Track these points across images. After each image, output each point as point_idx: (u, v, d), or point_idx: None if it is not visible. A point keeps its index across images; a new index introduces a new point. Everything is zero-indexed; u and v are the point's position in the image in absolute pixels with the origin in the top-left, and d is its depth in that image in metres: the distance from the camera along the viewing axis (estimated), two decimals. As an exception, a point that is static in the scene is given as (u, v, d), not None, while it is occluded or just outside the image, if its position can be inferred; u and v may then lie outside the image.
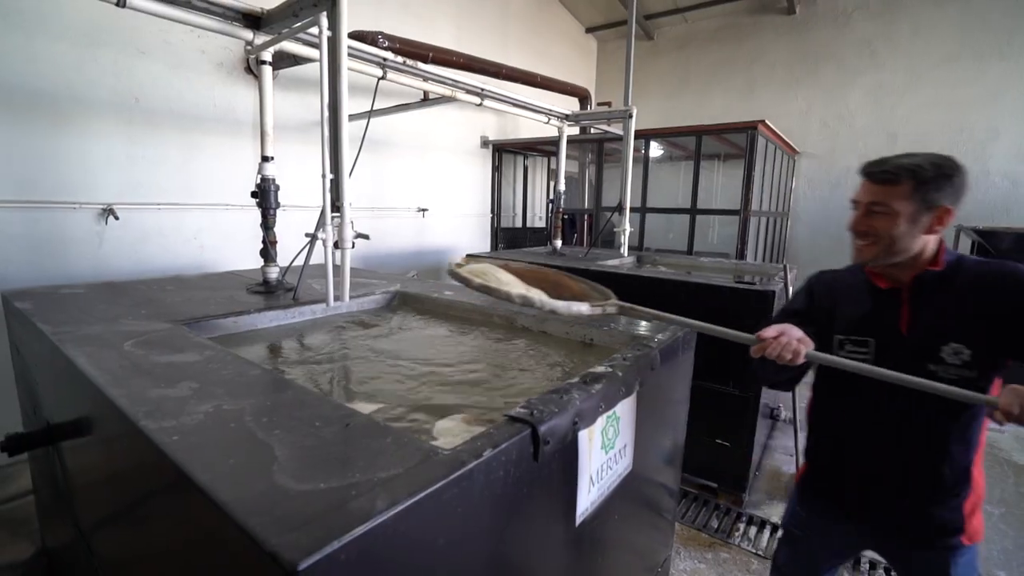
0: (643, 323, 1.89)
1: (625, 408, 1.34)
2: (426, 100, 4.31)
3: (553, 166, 7.26)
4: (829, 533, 1.60)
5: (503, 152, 6.76)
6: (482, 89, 3.57)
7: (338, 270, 1.92)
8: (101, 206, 3.26)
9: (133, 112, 3.36)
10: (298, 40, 2.43)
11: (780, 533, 1.78)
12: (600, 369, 1.31)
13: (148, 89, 3.42)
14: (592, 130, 6.20)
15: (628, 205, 4.20)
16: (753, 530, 2.82)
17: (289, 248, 2.52)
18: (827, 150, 6.83)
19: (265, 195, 2.28)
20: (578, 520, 1.18)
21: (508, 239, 6.97)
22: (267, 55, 2.26)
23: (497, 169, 6.72)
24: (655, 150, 7.26)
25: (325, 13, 1.80)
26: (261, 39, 2.24)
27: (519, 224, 7.37)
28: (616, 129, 5.42)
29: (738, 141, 5.69)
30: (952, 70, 5.97)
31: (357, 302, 2.27)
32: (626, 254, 4.33)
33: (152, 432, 0.90)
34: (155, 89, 3.45)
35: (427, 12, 5.47)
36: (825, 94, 6.77)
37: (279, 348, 1.75)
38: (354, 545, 0.64)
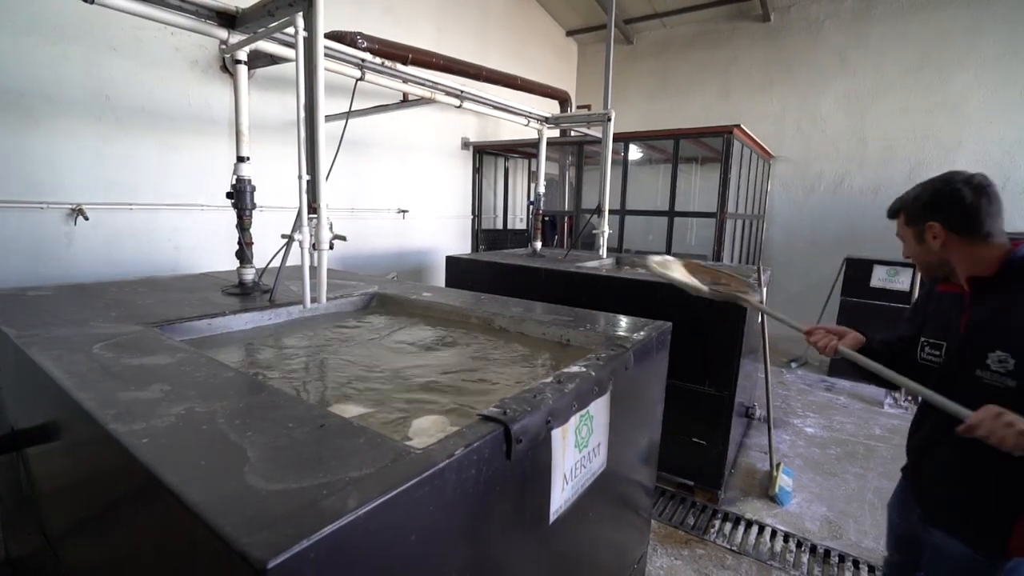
0: (620, 324, 1.92)
1: (599, 407, 1.36)
2: (406, 101, 4.30)
3: (533, 168, 7.29)
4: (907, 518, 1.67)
5: (484, 154, 6.77)
6: (462, 91, 3.58)
7: (315, 271, 1.91)
8: (70, 206, 3.18)
9: (104, 110, 3.29)
10: (274, 40, 2.41)
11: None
12: (574, 369, 1.33)
13: (120, 87, 3.34)
14: (572, 133, 6.25)
15: (607, 207, 4.25)
16: (728, 526, 2.88)
17: (266, 249, 2.49)
18: (801, 154, 6.99)
19: (241, 196, 2.26)
20: (552, 518, 1.20)
21: (489, 240, 6.98)
22: (242, 54, 2.24)
23: (478, 171, 6.72)
24: (634, 153, 7.35)
25: (301, 13, 1.79)
26: (236, 38, 2.22)
27: (500, 226, 7.39)
28: (596, 132, 5.48)
29: (715, 145, 5.79)
30: (918, 79, 6.17)
31: (335, 304, 2.26)
32: (605, 255, 4.38)
33: (121, 435, 0.89)
34: (127, 87, 3.38)
35: (408, 14, 5.46)
36: (799, 100, 6.94)
37: (254, 350, 1.73)
38: (324, 543, 0.65)
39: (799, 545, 2.74)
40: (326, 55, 2.54)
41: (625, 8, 7.53)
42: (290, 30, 1.83)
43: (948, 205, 1.46)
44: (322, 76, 1.77)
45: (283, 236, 1.95)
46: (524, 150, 6.92)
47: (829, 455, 3.76)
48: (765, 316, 3.57)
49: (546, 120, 4.41)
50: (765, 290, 3.51)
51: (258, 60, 3.10)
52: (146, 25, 3.35)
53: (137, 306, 1.91)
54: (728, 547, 2.71)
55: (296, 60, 1.77)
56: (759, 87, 7.22)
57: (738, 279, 2.17)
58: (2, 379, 1.67)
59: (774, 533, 2.83)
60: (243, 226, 2.31)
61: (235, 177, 2.24)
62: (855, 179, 6.66)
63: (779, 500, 3.10)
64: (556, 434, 1.15)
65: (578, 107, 7.78)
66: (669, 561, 2.60)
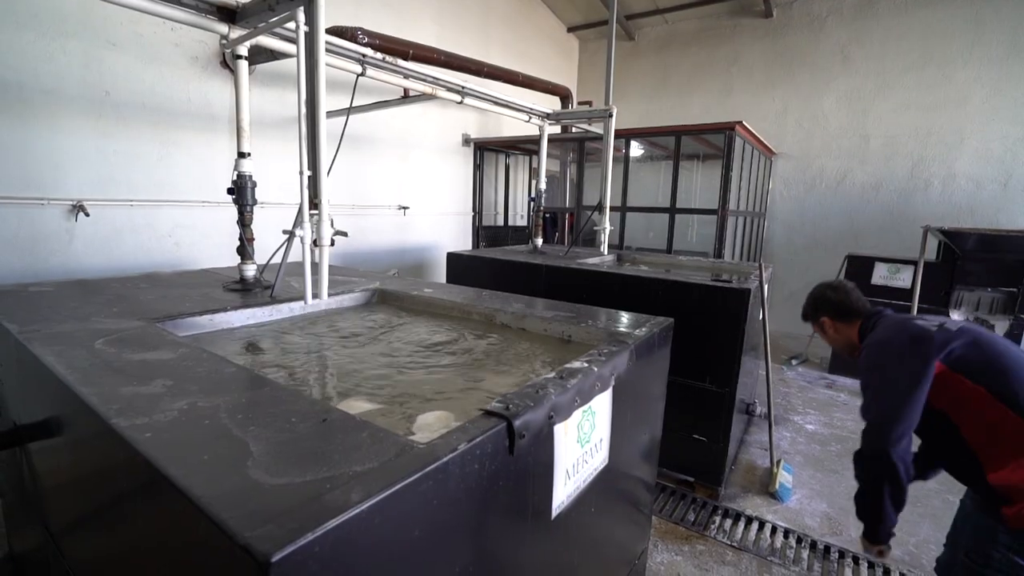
0: (621, 320, 1.92)
1: (601, 403, 1.36)
2: (407, 97, 4.30)
3: (534, 165, 7.28)
4: None
5: (485, 150, 6.76)
6: (463, 87, 3.57)
7: (316, 268, 1.91)
8: (71, 202, 3.17)
9: (104, 106, 3.28)
10: (275, 35, 2.40)
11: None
12: (576, 364, 1.33)
13: (120, 82, 3.34)
14: (573, 129, 6.25)
15: (608, 204, 4.24)
16: (728, 523, 2.88)
17: (267, 245, 2.49)
18: (802, 151, 6.97)
19: (242, 192, 2.25)
20: (554, 513, 1.20)
21: (490, 237, 6.98)
22: (243, 49, 2.23)
23: (479, 167, 6.71)
24: (635, 150, 7.34)
25: (302, 8, 1.78)
26: (236, 33, 2.21)
27: (501, 222, 7.38)
28: (597, 128, 5.47)
29: (716, 141, 5.79)
30: (920, 76, 6.15)
31: (336, 300, 2.26)
32: (606, 252, 4.37)
33: (124, 430, 0.89)
34: (127, 82, 3.37)
35: (408, 9, 5.44)
36: (801, 96, 6.92)
37: (256, 346, 1.73)
38: (328, 537, 0.65)
39: (799, 541, 2.74)
40: (327, 50, 2.53)
41: (627, 4, 7.50)
42: (291, 25, 1.82)
43: (825, 304, 2.11)
44: (323, 71, 1.76)
45: (284, 232, 1.95)
46: (525, 147, 6.90)
47: (830, 452, 3.76)
48: (766, 316, 3.56)
49: (547, 116, 4.40)
50: (767, 287, 3.50)
51: (259, 56, 3.09)
52: (146, 20, 3.34)
53: (139, 302, 1.91)
54: (728, 543, 2.71)
55: (297, 56, 1.77)
56: (761, 83, 7.20)
57: None
58: (4, 375, 1.67)
59: (774, 529, 2.83)
60: (244, 222, 2.30)
61: (236, 173, 2.23)
62: (857, 176, 6.65)
63: (779, 497, 3.11)
64: (558, 429, 1.15)
65: (579, 103, 7.76)
66: (670, 557, 2.61)
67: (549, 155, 4.94)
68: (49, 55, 3.02)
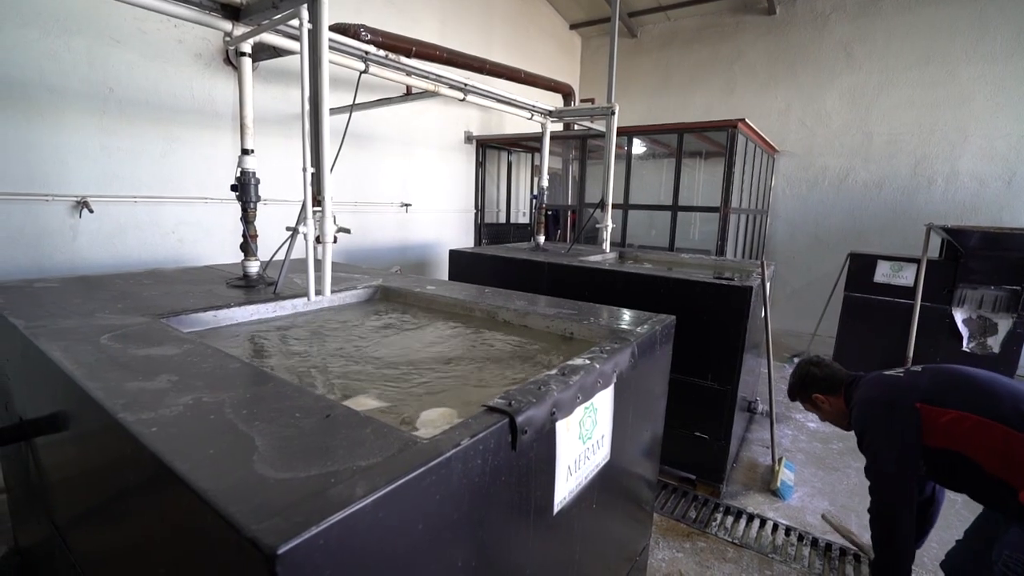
0: (623, 317, 1.93)
1: (603, 399, 1.37)
2: (409, 94, 4.29)
3: (537, 162, 7.27)
4: None
5: (487, 147, 6.76)
6: (465, 84, 3.56)
7: (319, 264, 1.91)
8: (75, 198, 3.19)
9: (108, 102, 3.29)
10: (279, 32, 2.40)
11: None
12: (578, 361, 1.33)
13: (123, 79, 3.35)
14: (575, 127, 6.24)
15: (611, 201, 4.24)
16: (730, 520, 2.89)
17: (270, 242, 2.50)
18: (805, 149, 6.96)
19: (245, 189, 2.26)
20: (556, 509, 1.21)
21: (492, 235, 6.98)
22: (247, 47, 2.23)
23: (481, 164, 6.71)
24: (638, 147, 7.32)
25: (306, 5, 1.78)
26: (240, 30, 2.21)
27: (503, 220, 7.38)
28: (599, 126, 5.46)
29: (719, 139, 5.77)
30: (924, 73, 6.13)
31: (339, 296, 2.27)
32: (608, 250, 4.37)
33: (130, 424, 0.90)
34: (131, 79, 3.38)
35: (411, 6, 5.44)
36: (803, 94, 6.90)
37: (260, 342, 1.74)
38: (333, 530, 0.66)
39: (801, 539, 2.75)
40: (330, 48, 2.53)
41: (629, 1, 7.48)
42: (295, 22, 1.83)
43: (813, 381, 2.24)
44: (327, 69, 1.77)
45: (288, 229, 1.96)
46: (527, 144, 6.90)
47: (831, 450, 3.77)
48: (768, 314, 3.56)
49: (550, 114, 4.40)
50: (769, 285, 3.50)
51: (261, 52, 3.09)
52: (149, 17, 3.35)
53: (143, 298, 1.92)
54: (730, 540, 2.72)
55: (301, 53, 1.77)
56: (763, 81, 7.18)
57: None
58: (10, 370, 1.68)
59: (775, 527, 2.84)
60: (247, 219, 2.31)
61: (239, 170, 2.24)
62: (859, 174, 6.63)
63: (781, 494, 3.11)
64: (560, 426, 1.16)
65: (581, 101, 7.74)
66: (671, 554, 2.62)
67: (551, 152, 4.94)
68: (54, 53, 3.03)
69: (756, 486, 3.25)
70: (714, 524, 2.85)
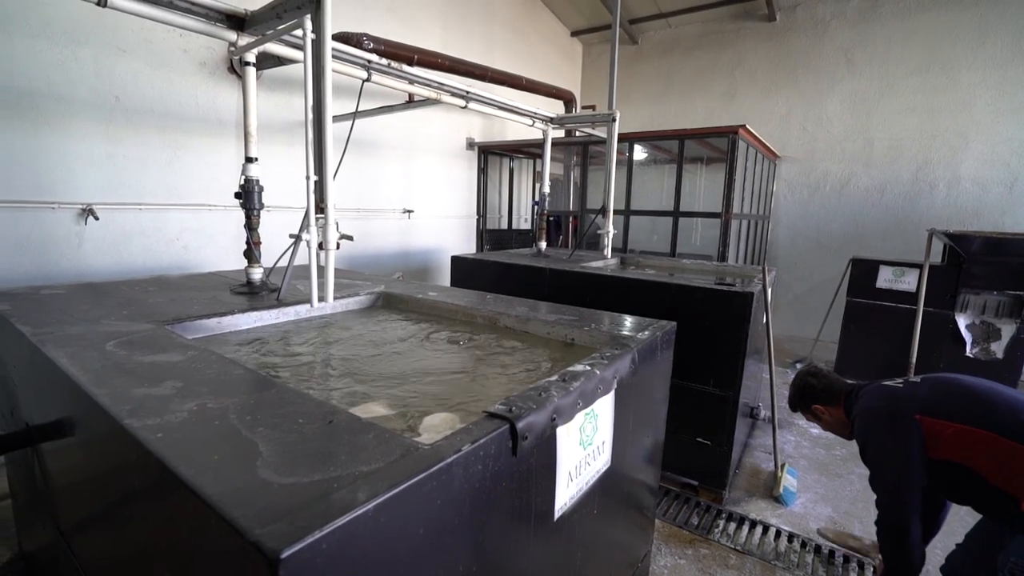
0: (624, 323, 1.94)
1: (604, 406, 1.38)
2: (411, 102, 4.33)
3: (538, 168, 7.30)
4: None
5: (489, 154, 6.79)
6: (467, 92, 3.60)
7: (322, 271, 1.93)
8: (81, 206, 3.22)
9: (114, 111, 3.33)
10: (282, 42, 2.43)
11: None
12: (579, 367, 1.34)
13: (129, 88, 3.39)
14: (577, 133, 6.27)
15: (612, 207, 4.26)
16: (732, 526, 2.88)
17: (273, 249, 2.52)
18: (806, 154, 6.97)
19: (249, 196, 2.28)
20: (557, 515, 1.22)
21: (493, 240, 7.00)
22: (251, 56, 2.26)
23: (483, 171, 6.74)
24: (639, 153, 7.35)
25: (309, 15, 1.81)
26: (245, 40, 2.24)
27: (505, 226, 7.41)
28: (600, 132, 5.49)
29: (720, 145, 5.80)
30: (924, 79, 6.14)
31: (341, 303, 2.29)
32: (610, 256, 4.39)
33: (136, 430, 0.91)
34: (136, 88, 3.42)
35: (413, 14, 5.49)
36: (804, 100, 6.92)
37: (263, 348, 1.76)
38: (336, 535, 0.67)
39: (804, 545, 2.74)
40: (333, 57, 2.56)
41: (630, 8, 7.53)
42: (298, 32, 1.85)
43: (812, 392, 2.23)
44: (330, 78, 1.79)
45: (291, 236, 1.98)
46: (529, 150, 6.93)
47: (834, 456, 3.76)
48: (770, 320, 3.57)
49: (551, 120, 4.43)
50: (770, 290, 3.51)
51: (265, 62, 3.13)
52: (155, 27, 3.39)
53: (148, 304, 1.94)
54: (732, 547, 2.71)
55: (304, 62, 1.80)
56: (764, 87, 7.20)
57: None
58: (17, 376, 1.70)
59: (778, 533, 2.83)
60: (251, 226, 2.33)
61: (243, 178, 2.27)
62: (861, 179, 6.64)
63: (783, 500, 3.10)
64: (561, 432, 1.17)
65: (583, 107, 7.79)
66: (673, 560, 2.61)
67: (553, 159, 4.97)
68: (61, 63, 3.07)
69: (759, 492, 3.24)
70: (716, 530, 2.84)
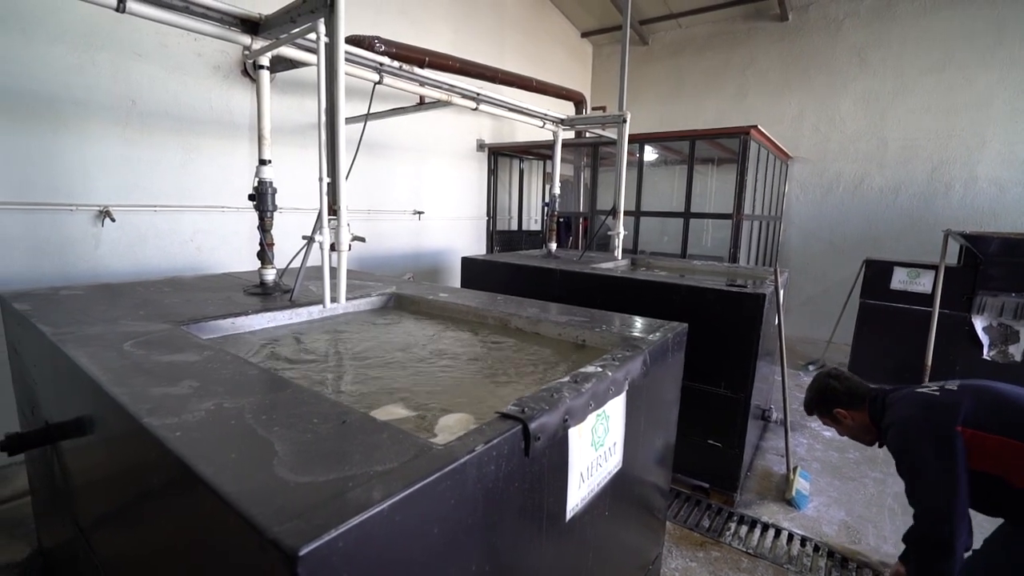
0: (635, 325, 1.93)
1: (615, 407, 1.38)
2: (422, 104, 4.35)
3: (548, 169, 7.30)
4: None
5: (499, 155, 6.81)
6: (478, 94, 3.61)
7: (335, 272, 1.95)
8: (97, 208, 3.27)
9: (130, 115, 3.38)
10: (296, 45, 2.46)
11: None
12: (591, 369, 1.34)
13: (145, 92, 3.44)
14: (587, 134, 6.26)
15: (622, 208, 4.25)
16: (744, 529, 2.86)
17: (285, 250, 2.55)
18: (819, 155, 6.90)
19: (262, 198, 2.31)
20: (568, 515, 1.22)
21: (504, 242, 7.01)
22: (265, 60, 2.29)
23: (493, 172, 6.76)
24: (649, 154, 7.33)
25: (323, 19, 1.83)
26: (259, 44, 2.27)
27: (515, 227, 7.41)
28: (611, 133, 5.48)
29: (731, 146, 5.76)
30: (940, 79, 6.06)
31: (353, 304, 2.30)
32: (620, 257, 4.38)
33: (155, 428, 0.93)
34: (152, 92, 3.47)
35: (424, 17, 5.51)
36: (817, 100, 6.86)
37: (277, 349, 1.78)
38: (352, 533, 0.68)
39: (816, 549, 2.71)
40: (345, 60, 2.58)
41: (640, 9, 7.51)
42: (312, 36, 1.87)
43: (833, 395, 2.13)
44: (343, 81, 1.81)
45: (304, 237, 2.00)
46: (539, 152, 6.94)
47: (848, 459, 3.71)
48: (782, 322, 3.54)
49: (561, 122, 4.43)
50: (783, 292, 3.48)
51: (278, 65, 3.16)
52: (170, 32, 3.44)
53: (163, 305, 1.97)
54: (744, 550, 2.69)
55: (318, 65, 1.81)
56: (776, 87, 7.15)
57: None
58: (37, 375, 1.73)
59: (791, 537, 2.80)
60: (264, 227, 2.36)
61: (257, 180, 2.29)
62: (875, 179, 6.56)
63: (796, 504, 3.08)
64: (573, 433, 1.17)
65: (593, 109, 7.78)
66: (684, 563, 2.59)
67: (563, 160, 4.97)
68: (79, 67, 3.13)
69: (771, 495, 3.22)
70: (728, 533, 2.82)
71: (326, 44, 1.83)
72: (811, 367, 5.80)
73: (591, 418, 1.25)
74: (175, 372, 1.23)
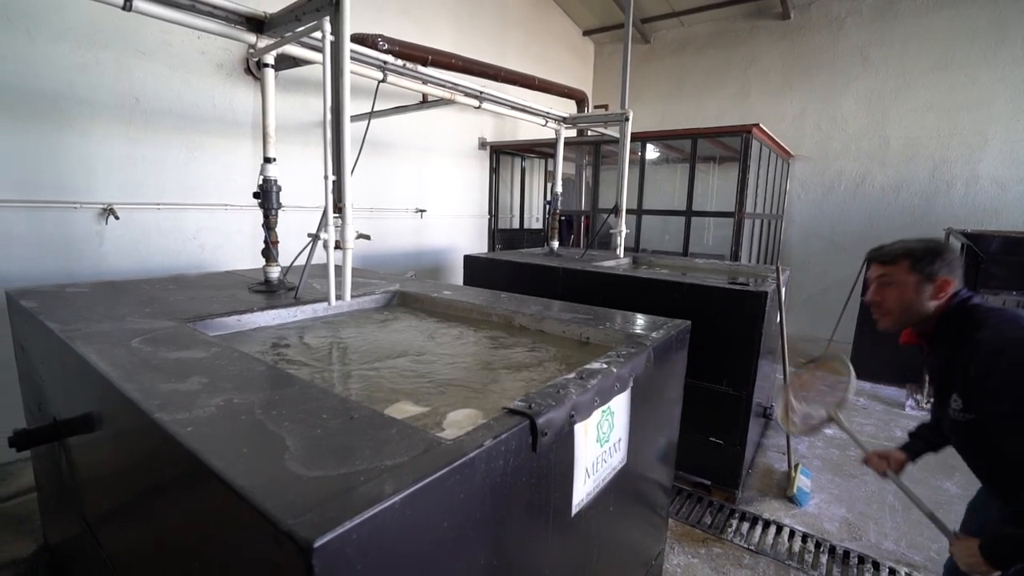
0: (638, 322, 1.94)
1: (620, 404, 1.39)
2: (425, 102, 4.36)
3: (550, 168, 7.30)
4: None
5: (501, 154, 6.81)
6: (480, 92, 3.61)
7: (339, 270, 1.96)
8: (102, 206, 3.28)
9: (134, 113, 3.39)
10: (301, 44, 2.47)
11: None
12: (596, 365, 1.35)
13: (149, 90, 3.44)
14: (589, 132, 6.26)
15: (624, 207, 4.25)
16: (746, 526, 2.87)
17: (287, 247, 2.55)
18: (821, 153, 6.90)
19: (267, 196, 2.32)
20: (574, 510, 1.23)
21: (505, 240, 7.02)
22: (270, 58, 2.30)
23: (495, 170, 6.76)
24: (651, 152, 7.32)
25: (328, 18, 1.84)
26: (264, 43, 2.28)
27: (516, 225, 7.42)
28: (613, 132, 5.48)
29: (733, 144, 5.76)
30: (942, 77, 6.06)
31: (358, 301, 2.31)
32: (622, 255, 4.38)
33: (167, 424, 0.94)
34: (155, 90, 3.48)
35: (427, 15, 5.51)
36: (819, 98, 6.85)
37: (283, 345, 1.79)
38: (364, 526, 0.69)
39: (818, 546, 2.72)
40: (350, 58, 2.59)
41: (642, 7, 7.50)
42: (317, 34, 1.88)
43: (954, 263, 1.58)
44: (348, 79, 1.82)
45: (309, 235, 2.01)
46: (541, 150, 6.94)
47: (848, 456, 3.72)
48: (783, 320, 3.55)
49: (563, 120, 4.43)
50: (784, 290, 3.48)
51: (282, 63, 3.17)
52: (174, 30, 3.44)
53: (169, 302, 1.98)
54: (746, 546, 2.71)
55: (323, 64, 1.82)
56: (778, 86, 7.14)
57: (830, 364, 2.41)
58: (45, 371, 1.75)
59: (792, 533, 2.82)
60: (269, 225, 2.37)
61: (262, 178, 2.30)
62: (876, 178, 6.56)
63: (797, 501, 3.09)
64: (579, 428, 1.18)
65: (595, 107, 7.77)
66: (686, 559, 2.61)
67: (565, 158, 4.97)
68: (83, 66, 3.13)
69: (772, 492, 3.23)
70: (730, 530, 2.83)
71: (331, 43, 1.83)
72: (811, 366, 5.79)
73: (596, 414, 1.26)
74: (183, 368, 1.24)
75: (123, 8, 1.89)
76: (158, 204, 3.56)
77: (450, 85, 3.39)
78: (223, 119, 3.86)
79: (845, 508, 3.07)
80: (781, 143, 6.26)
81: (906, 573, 2.53)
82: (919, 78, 6.18)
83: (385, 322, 2.16)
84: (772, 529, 2.86)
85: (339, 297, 1.97)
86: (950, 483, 3.34)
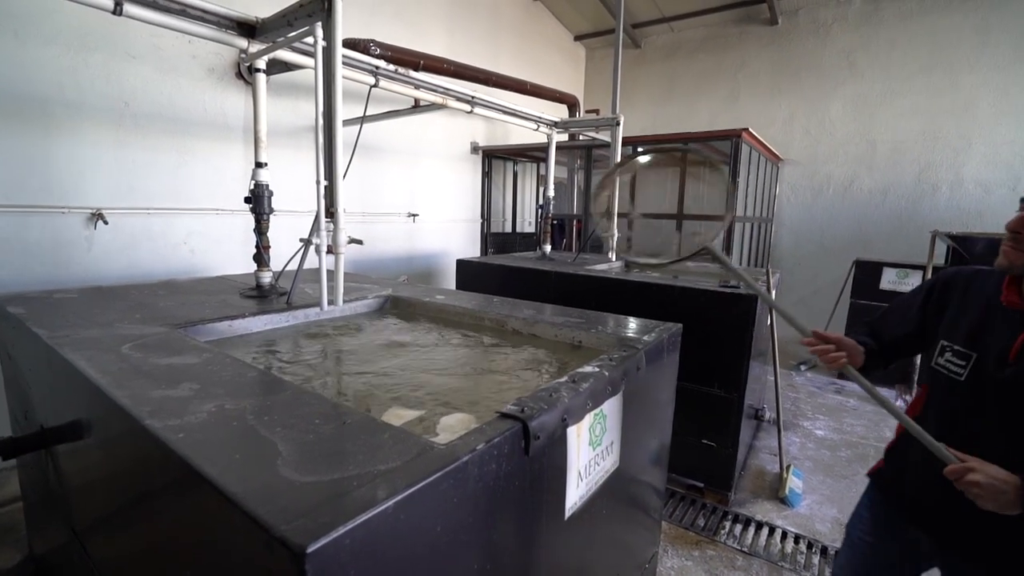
0: (630, 325, 1.95)
1: (612, 406, 1.39)
2: (417, 107, 4.36)
3: (542, 172, 7.33)
4: (891, 539, 1.53)
5: (493, 158, 6.82)
6: (472, 96, 3.62)
7: (331, 275, 1.95)
8: (90, 210, 3.25)
9: (123, 117, 3.37)
10: (293, 49, 2.47)
11: (843, 536, 1.72)
12: (588, 369, 1.36)
13: (138, 94, 3.42)
14: (581, 137, 6.30)
15: (616, 211, 4.27)
16: (739, 528, 2.89)
17: (279, 252, 2.54)
18: (810, 157, 6.98)
19: (259, 200, 2.30)
20: (567, 514, 1.23)
21: (498, 244, 7.03)
22: (261, 63, 2.29)
23: (487, 175, 6.77)
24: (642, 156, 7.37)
25: (320, 23, 1.84)
26: (256, 47, 2.27)
27: (509, 229, 7.43)
28: (604, 136, 5.51)
29: (723, 148, 5.81)
30: (927, 82, 6.15)
31: (350, 306, 2.31)
32: (614, 259, 4.40)
33: (158, 430, 0.93)
34: (145, 94, 3.46)
35: (419, 20, 5.52)
36: (807, 103, 6.94)
37: (275, 351, 1.78)
38: (358, 531, 0.69)
39: (810, 547, 2.74)
40: (342, 63, 2.59)
41: (633, 13, 7.56)
42: (309, 39, 1.88)
43: None
44: (340, 84, 1.82)
45: (301, 240, 2.00)
46: (533, 154, 6.96)
47: (839, 457, 3.76)
48: (774, 316, 3.58)
49: (555, 125, 4.45)
50: (775, 292, 3.52)
51: (274, 67, 3.16)
52: (164, 33, 3.43)
53: (159, 308, 1.96)
54: (739, 548, 2.72)
55: (315, 69, 1.82)
56: (767, 90, 7.22)
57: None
58: (32, 379, 1.72)
59: (784, 535, 2.83)
60: (260, 230, 2.36)
61: (253, 182, 2.29)
62: (864, 181, 6.64)
63: (789, 502, 3.11)
64: (571, 431, 1.18)
65: (586, 111, 7.82)
66: (680, 562, 2.62)
67: (557, 162, 5.00)
68: (72, 69, 3.11)
69: (764, 494, 3.25)
70: (723, 532, 2.85)
71: (324, 48, 1.84)
72: (803, 367, 5.86)
73: (589, 417, 1.26)
74: (175, 375, 1.23)
75: (113, 12, 1.88)
76: (148, 209, 3.53)
77: (442, 90, 3.40)
78: (214, 123, 3.84)
79: (836, 509, 3.10)
80: (770, 147, 6.33)
81: (896, 573, 2.55)
82: (904, 83, 6.28)
83: (378, 327, 2.16)
84: (765, 531, 2.87)
85: (331, 302, 1.97)
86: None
